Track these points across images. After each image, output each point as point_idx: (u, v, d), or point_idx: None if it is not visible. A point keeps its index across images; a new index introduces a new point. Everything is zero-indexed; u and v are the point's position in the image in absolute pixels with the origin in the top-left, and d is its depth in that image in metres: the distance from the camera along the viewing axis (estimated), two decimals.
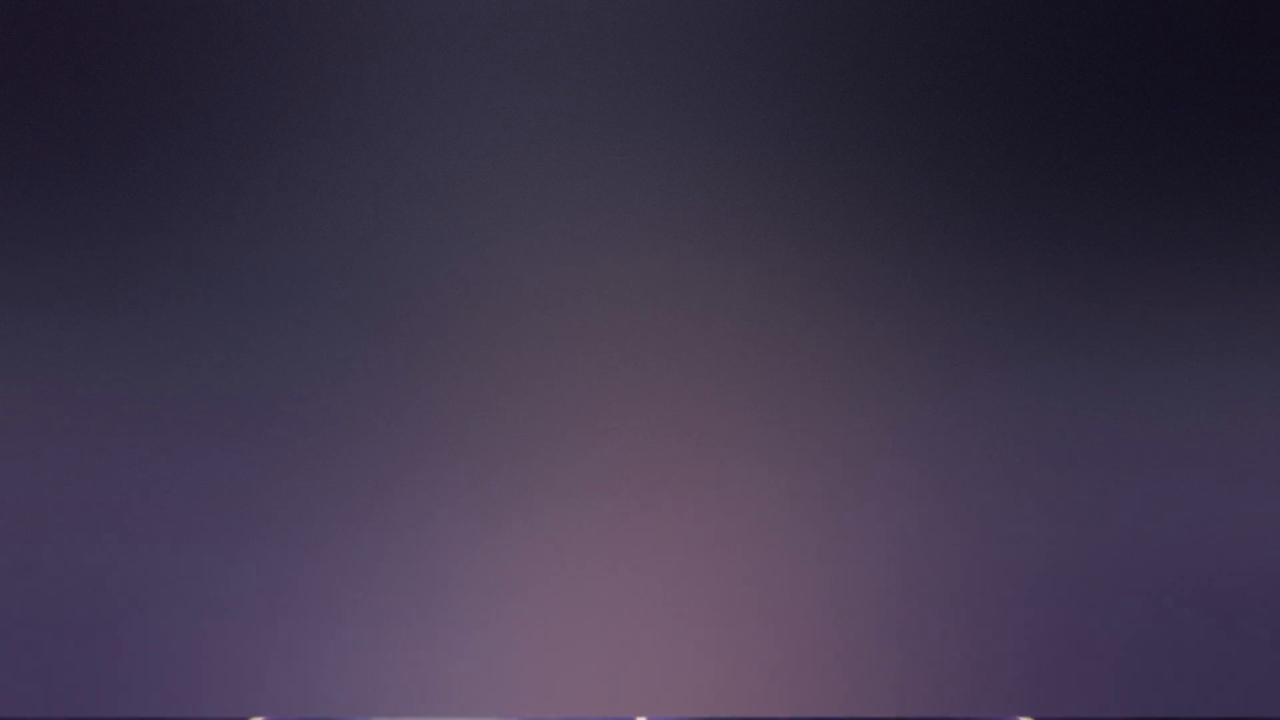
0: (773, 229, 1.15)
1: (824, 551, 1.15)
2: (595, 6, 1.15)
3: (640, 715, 1.15)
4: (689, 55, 1.15)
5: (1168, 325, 1.14)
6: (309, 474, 1.15)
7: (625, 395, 1.15)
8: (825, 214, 1.15)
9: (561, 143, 1.15)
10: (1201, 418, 1.14)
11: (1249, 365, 1.14)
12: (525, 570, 1.15)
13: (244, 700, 1.15)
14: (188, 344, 1.14)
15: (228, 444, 1.15)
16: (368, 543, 1.15)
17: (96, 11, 1.14)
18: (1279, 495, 1.14)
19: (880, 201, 1.15)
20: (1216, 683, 1.14)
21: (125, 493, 1.14)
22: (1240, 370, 1.14)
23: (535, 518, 1.15)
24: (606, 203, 1.15)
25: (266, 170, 1.15)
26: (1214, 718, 1.15)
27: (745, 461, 1.15)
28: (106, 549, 1.14)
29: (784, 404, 1.15)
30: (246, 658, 1.14)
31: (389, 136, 1.15)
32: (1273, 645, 1.14)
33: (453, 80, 1.15)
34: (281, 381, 1.15)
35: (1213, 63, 1.14)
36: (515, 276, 1.15)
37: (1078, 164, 1.14)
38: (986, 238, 1.14)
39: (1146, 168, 1.14)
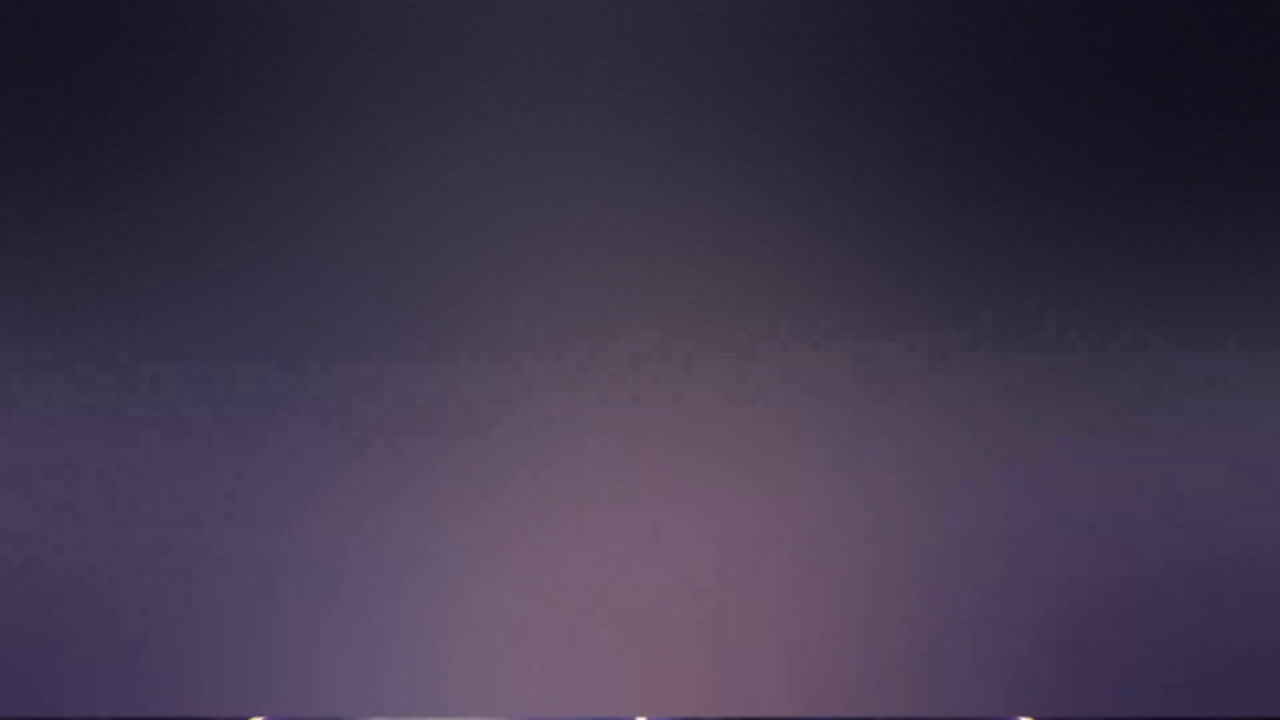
0: (773, 229, 1.15)
1: (824, 552, 1.15)
2: (602, 11, 1.15)
3: (640, 715, 1.15)
4: (693, 61, 1.15)
5: (1169, 323, 1.14)
6: (310, 474, 1.15)
7: (628, 396, 1.15)
8: (826, 214, 1.15)
9: (568, 146, 1.15)
10: (1203, 416, 1.14)
11: (1251, 363, 1.14)
12: (526, 570, 1.15)
13: (244, 700, 1.15)
14: (189, 342, 1.15)
15: (230, 444, 1.15)
16: (369, 543, 1.15)
17: (112, 6, 1.14)
18: (1279, 494, 1.14)
19: (879, 202, 1.15)
20: (1216, 683, 1.14)
21: (126, 492, 1.15)
22: (1242, 368, 1.14)
23: (536, 519, 1.15)
24: (608, 205, 1.15)
25: (276, 169, 1.15)
26: (1214, 718, 1.15)
27: (746, 462, 1.15)
28: (107, 549, 1.15)
29: (785, 404, 1.15)
30: (246, 658, 1.15)
31: (400, 138, 1.15)
32: (1273, 645, 1.14)
33: (464, 82, 1.15)
34: (285, 382, 1.15)
35: (1215, 59, 1.14)
36: (518, 278, 1.15)
37: (1078, 165, 1.14)
38: (986, 236, 1.14)
39: (1148, 165, 1.14)
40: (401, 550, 1.15)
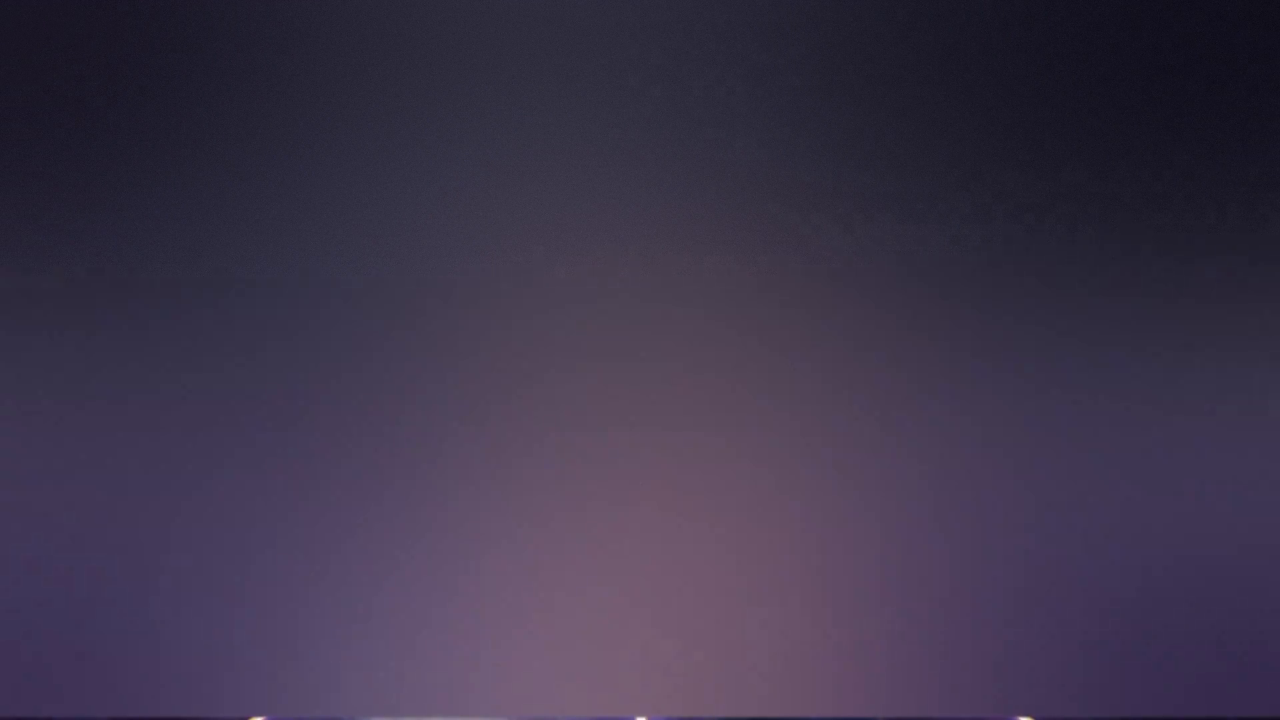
0: (775, 229, 1.15)
1: (825, 551, 1.15)
2: (602, 11, 1.15)
3: (640, 715, 1.15)
4: (694, 60, 1.15)
5: (1171, 323, 1.14)
6: (311, 476, 1.15)
7: (629, 396, 1.15)
8: (829, 214, 1.15)
9: (566, 146, 1.15)
10: (1204, 416, 1.14)
11: (1253, 363, 1.14)
12: (525, 570, 1.15)
13: (244, 700, 1.15)
14: (193, 342, 1.15)
15: (231, 444, 1.15)
16: (368, 543, 1.15)
17: (108, 9, 1.14)
18: (1279, 494, 1.14)
19: (879, 200, 1.15)
20: (1216, 683, 1.14)
21: (128, 492, 1.15)
22: (1244, 368, 1.14)
23: (536, 518, 1.15)
24: (607, 204, 1.15)
25: (276, 169, 1.15)
26: (1214, 718, 1.15)
27: (747, 462, 1.15)
28: (108, 549, 1.15)
29: (786, 404, 1.15)
30: (248, 658, 1.15)
31: (400, 138, 1.15)
32: (1273, 645, 1.14)
33: (464, 82, 1.15)
34: (287, 382, 1.15)
35: (1219, 58, 1.14)
36: (517, 278, 1.15)
37: (1083, 159, 1.14)
38: (989, 235, 1.14)
39: (1152, 165, 1.14)
40: (401, 550, 1.15)
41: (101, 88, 1.14)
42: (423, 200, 1.15)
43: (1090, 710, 1.15)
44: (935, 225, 1.14)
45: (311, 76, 1.14)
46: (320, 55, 1.14)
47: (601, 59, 1.14)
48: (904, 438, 1.15)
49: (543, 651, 1.15)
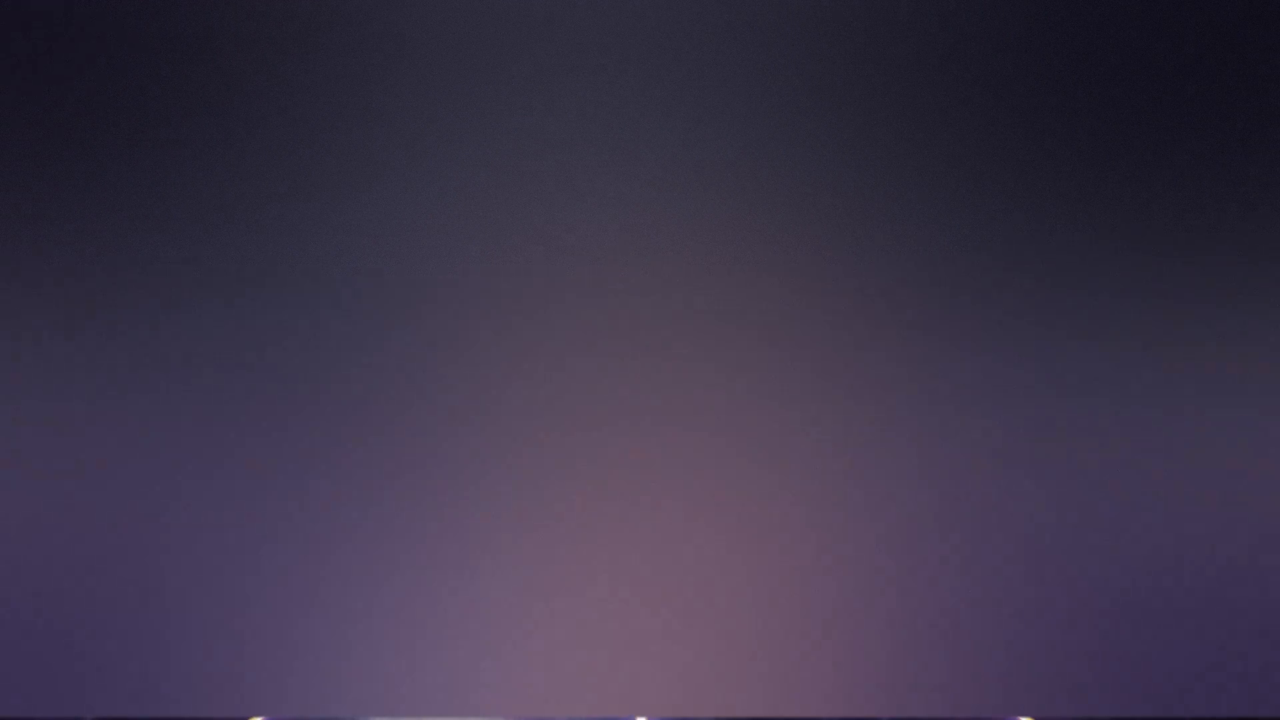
0: (773, 225, 1.15)
1: (825, 551, 1.15)
2: (601, 11, 1.15)
3: (640, 715, 1.15)
4: (694, 60, 1.15)
5: (1172, 322, 1.14)
6: (312, 474, 1.15)
7: (630, 395, 1.15)
8: (826, 209, 1.15)
9: (566, 146, 1.15)
10: (1204, 416, 1.14)
11: (1255, 362, 1.14)
12: (526, 570, 1.15)
13: (245, 700, 1.15)
14: (195, 343, 1.15)
15: (231, 444, 1.15)
16: (368, 543, 1.15)
17: (104, 10, 1.14)
18: (1279, 494, 1.14)
19: (882, 195, 1.15)
20: (1216, 683, 1.14)
21: (129, 492, 1.15)
22: (1246, 367, 1.14)
23: (536, 519, 1.15)
24: (611, 203, 1.15)
25: (274, 172, 1.15)
26: (1214, 718, 1.15)
27: (747, 461, 1.15)
28: (108, 549, 1.15)
29: (787, 403, 1.15)
30: (248, 657, 1.15)
31: (398, 139, 1.15)
32: (1273, 645, 1.14)
33: (461, 84, 1.15)
34: (289, 381, 1.15)
35: (1219, 58, 1.14)
36: (518, 276, 1.15)
37: (1082, 156, 1.14)
38: (992, 231, 1.14)
39: (1154, 158, 1.14)
40: (401, 551, 1.15)
41: (102, 87, 1.14)
42: (423, 200, 1.15)
43: (1090, 710, 1.15)
44: (935, 225, 1.14)
45: (312, 76, 1.14)
46: (321, 55, 1.14)
47: (601, 59, 1.14)
48: (904, 437, 1.15)
49: (543, 651, 1.15)
